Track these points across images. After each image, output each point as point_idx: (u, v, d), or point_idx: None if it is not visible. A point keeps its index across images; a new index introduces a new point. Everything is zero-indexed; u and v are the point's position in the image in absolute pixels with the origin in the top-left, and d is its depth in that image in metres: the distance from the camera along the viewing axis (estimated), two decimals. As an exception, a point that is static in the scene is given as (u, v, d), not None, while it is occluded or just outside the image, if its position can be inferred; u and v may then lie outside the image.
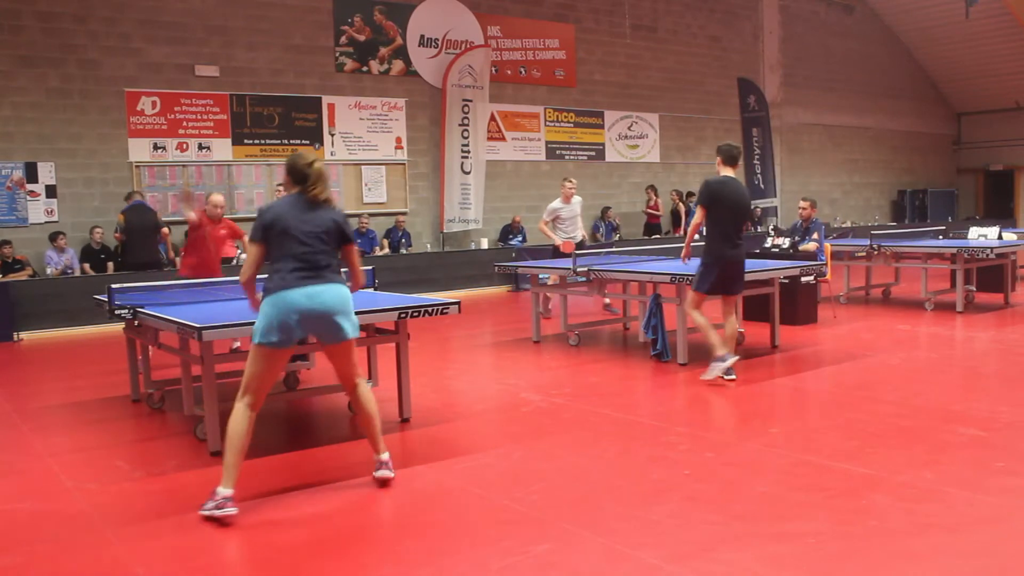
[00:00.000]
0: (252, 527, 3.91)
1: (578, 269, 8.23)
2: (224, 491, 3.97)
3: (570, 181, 10.30)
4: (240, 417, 4.12)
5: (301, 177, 4.29)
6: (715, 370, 6.49)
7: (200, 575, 3.46)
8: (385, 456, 4.42)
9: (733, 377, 6.49)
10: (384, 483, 4.36)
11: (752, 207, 16.67)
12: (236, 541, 3.76)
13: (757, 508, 3.94)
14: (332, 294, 4.15)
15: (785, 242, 9.97)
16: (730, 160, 6.70)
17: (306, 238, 4.14)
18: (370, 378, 6.03)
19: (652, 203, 17.37)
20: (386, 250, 14.03)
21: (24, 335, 10.38)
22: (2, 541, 3.82)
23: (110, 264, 11.73)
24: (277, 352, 4.13)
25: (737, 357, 6.64)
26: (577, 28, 16.66)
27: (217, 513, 3.90)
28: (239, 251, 8.48)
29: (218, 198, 8.35)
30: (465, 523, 3.90)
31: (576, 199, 10.30)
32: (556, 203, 10.29)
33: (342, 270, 4.35)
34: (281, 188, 12.03)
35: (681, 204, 17.19)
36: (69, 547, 3.74)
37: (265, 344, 4.08)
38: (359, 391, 4.45)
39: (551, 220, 10.23)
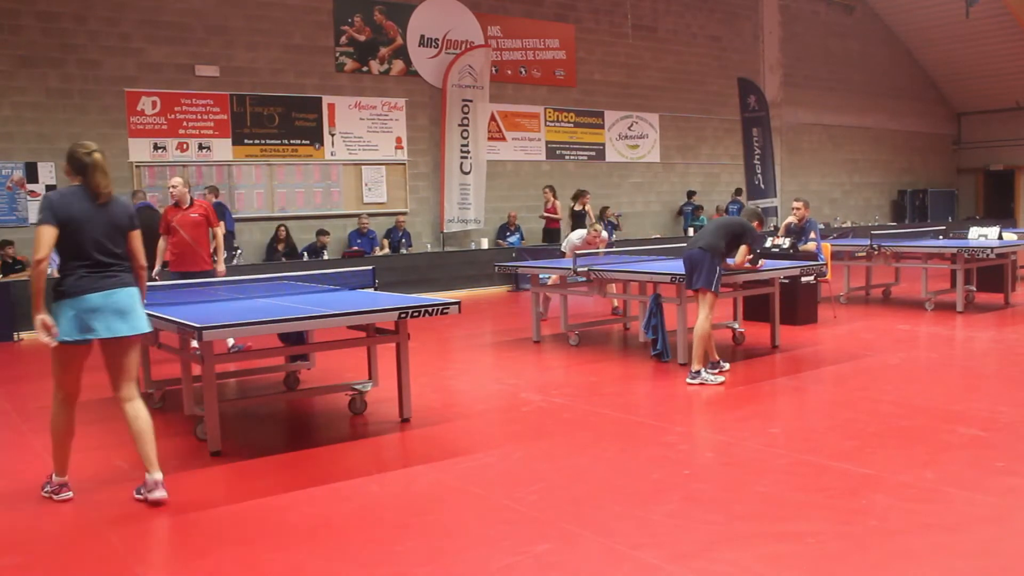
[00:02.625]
0: (252, 527, 3.91)
1: (578, 269, 8.23)
2: (59, 478, 4.37)
3: (595, 230, 10.24)
4: (59, 411, 4.36)
5: (80, 167, 4.23)
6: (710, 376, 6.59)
7: (199, 575, 3.46)
8: (159, 476, 4.26)
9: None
10: (158, 504, 4.18)
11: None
12: (236, 541, 3.76)
13: (757, 508, 3.94)
14: (126, 295, 4.26)
15: (785, 242, 9.97)
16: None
17: (98, 237, 4.18)
18: (370, 378, 6.04)
19: (550, 205, 15.52)
20: (386, 250, 14.03)
21: (24, 335, 10.38)
22: (2, 541, 3.82)
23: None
24: (80, 349, 4.25)
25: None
26: (577, 28, 16.66)
27: (56, 497, 4.31)
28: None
29: (174, 179, 8.04)
30: (465, 523, 3.90)
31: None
32: (579, 240, 10.26)
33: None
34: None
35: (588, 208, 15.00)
36: (69, 547, 3.74)
37: (70, 342, 4.15)
38: (135, 403, 4.40)
39: (569, 249, 10.16)
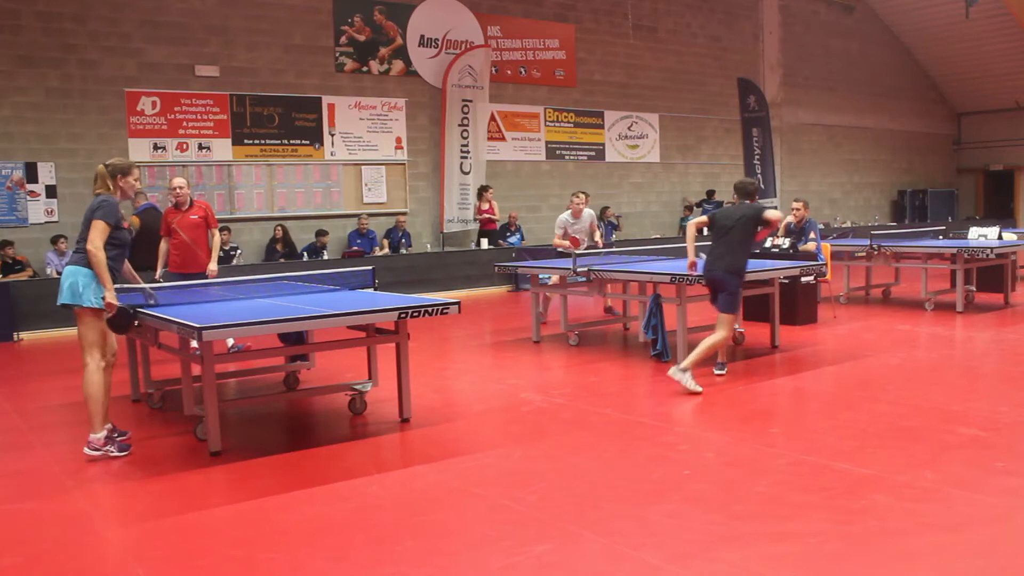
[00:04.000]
0: (252, 527, 3.91)
1: (578, 269, 8.23)
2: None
3: (578, 196, 9.99)
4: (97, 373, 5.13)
5: None
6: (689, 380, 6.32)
7: (199, 575, 3.46)
8: (95, 436, 5.05)
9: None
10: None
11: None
12: (236, 541, 3.76)
13: (757, 508, 3.94)
14: (67, 271, 5.16)
15: (785, 242, 9.97)
16: (742, 195, 6.73)
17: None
18: (370, 378, 6.04)
19: (488, 206, 14.88)
20: (386, 250, 14.03)
21: (24, 335, 10.38)
22: (2, 541, 3.82)
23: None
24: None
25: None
26: (577, 28, 16.66)
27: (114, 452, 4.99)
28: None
29: (178, 180, 8.00)
30: (465, 523, 3.90)
31: (587, 212, 9.98)
32: (566, 216, 9.99)
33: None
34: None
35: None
36: (69, 547, 3.74)
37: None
38: (85, 370, 5.12)
39: (562, 233, 9.96)
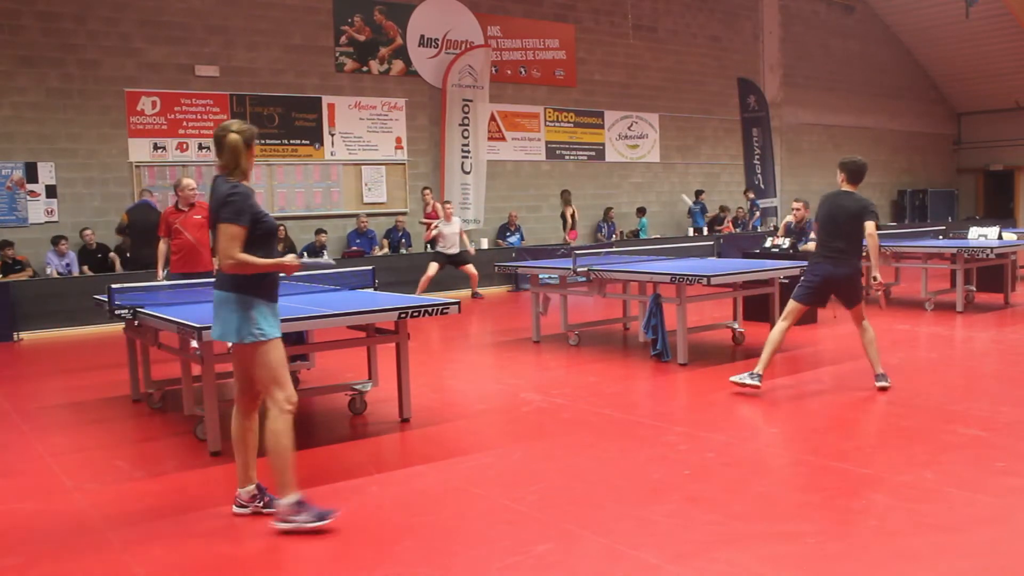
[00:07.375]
0: (252, 527, 3.91)
1: (578, 269, 8.23)
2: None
3: (449, 204, 11.55)
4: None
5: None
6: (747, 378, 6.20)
7: (199, 575, 3.46)
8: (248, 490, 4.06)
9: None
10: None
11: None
12: (236, 541, 3.76)
13: (757, 508, 3.94)
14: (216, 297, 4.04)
15: (785, 242, 9.97)
16: (853, 177, 6.22)
17: None
18: (370, 378, 6.04)
19: (430, 210, 13.89)
20: (386, 250, 14.02)
21: (24, 335, 10.38)
22: (2, 541, 3.82)
23: (117, 262, 11.75)
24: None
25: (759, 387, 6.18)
26: (577, 28, 16.66)
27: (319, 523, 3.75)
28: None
29: (187, 181, 8.06)
30: (465, 523, 3.90)
31: (456, 219, 11.70)
32: (438, 222, 11.85)
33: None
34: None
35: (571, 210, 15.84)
36: (69, 547, 3.74)
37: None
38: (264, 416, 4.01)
39: (430, 226, 11.68)
